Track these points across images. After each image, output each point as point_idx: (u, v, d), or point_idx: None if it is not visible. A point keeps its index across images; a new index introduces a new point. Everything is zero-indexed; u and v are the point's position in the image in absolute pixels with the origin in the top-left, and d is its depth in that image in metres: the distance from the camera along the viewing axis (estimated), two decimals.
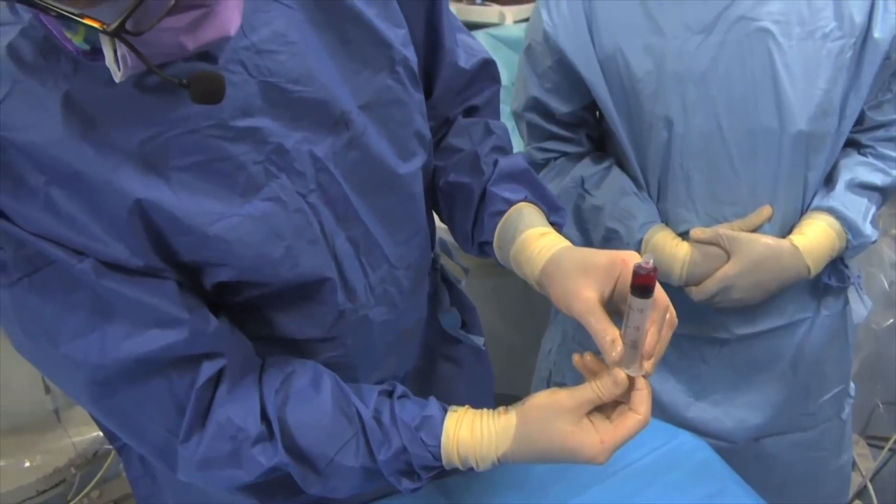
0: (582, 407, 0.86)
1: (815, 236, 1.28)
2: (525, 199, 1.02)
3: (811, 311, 1.39)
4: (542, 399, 0.88)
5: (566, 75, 1.33)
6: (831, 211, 1.29)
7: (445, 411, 0.91)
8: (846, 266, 1.37)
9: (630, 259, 0.85)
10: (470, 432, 0.89)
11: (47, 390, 2.26)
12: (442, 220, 1.16)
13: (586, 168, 1.38)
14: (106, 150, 0.77)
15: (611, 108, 1.30)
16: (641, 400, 0.87)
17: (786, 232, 1.31)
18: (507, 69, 2.02)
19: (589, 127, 1.43)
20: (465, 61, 1.09)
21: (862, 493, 2.25)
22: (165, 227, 0.81)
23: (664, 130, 1.27)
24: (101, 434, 2.22)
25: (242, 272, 0.87)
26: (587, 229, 1.37)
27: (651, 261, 0.80)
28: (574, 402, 0.86)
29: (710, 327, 1.39)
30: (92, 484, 2.33)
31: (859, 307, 1.45)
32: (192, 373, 0.85)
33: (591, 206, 1.35)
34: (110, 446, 2.34)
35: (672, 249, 1.29)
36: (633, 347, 0.84)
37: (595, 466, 0.90)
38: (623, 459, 1.22)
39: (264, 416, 0.88)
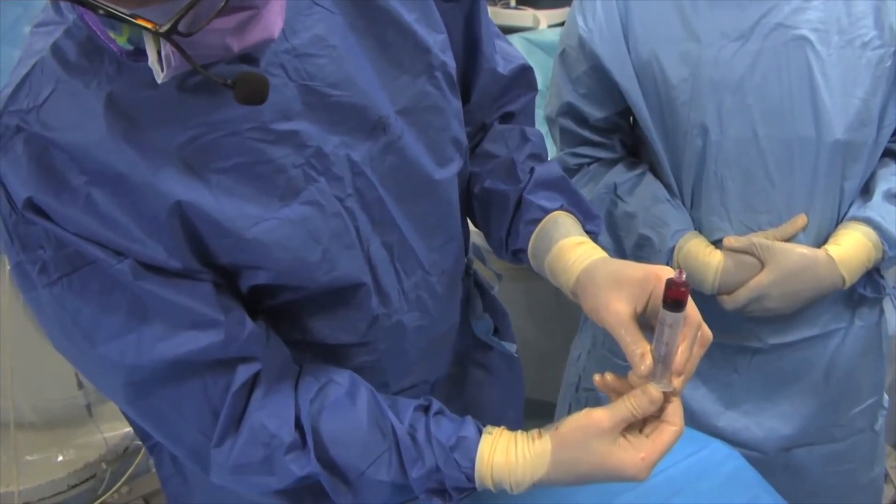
0: (618, 426, 0.85)
1: (851, 246, 1.27)
2: (561, 208, 1.02)
3: (845, 322, 1.38)
4: (578, 421, 0.86)
5: (601, 81, 1.33)
6: (868, 221, 1.28)
7: (481, 432, 0.90)
8: (882, 277, 1.36)
9: (664, 274, 0.84)
10: (505, 456, 0.87)
11: (80, 385, 2.29)
12: (476, 225, 1.16)
13: (619, 174, 1.37)
14: (147, 151, 0.78)
15: (645, 114, 1.29)
16: (675, 411, 0.87)
17: (821, 242, 1.30)
18: (541, 73, 2.01)
19: (623, 133, 1.43)
20: (503, 67, 1.09)
21: None
22: (204, 229, 0.82)
23: (699, 138, 1.26)
24: (132, 430, 2.24)
25: (279, 275, 0.87)
26: (619, 236, 1.37)
27: (684, 275, 0.80)
28: (610, 421, 0.84)
29: (742, 336, 1.38)
30: (123, 479, 2.35)
31: (895, 319, 1.43)
32: (228, 376, 0.85)
33: (624, 213, 1.35)
34: (141, 442, 2.36)
35: (705, 258, 1.28)
36: (663, 363, 0.84)
37: None
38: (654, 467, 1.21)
39: (298, 425, 0.87)
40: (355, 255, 0.92)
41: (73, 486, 2.37)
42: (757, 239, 1.26)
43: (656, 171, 1.37)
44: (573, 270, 0.94)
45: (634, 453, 0.84)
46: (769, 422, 1.42)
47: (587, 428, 0.85)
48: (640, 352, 0.84)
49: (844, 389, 1.41)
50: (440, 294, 1.05)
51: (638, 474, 0.85)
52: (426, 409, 0.92)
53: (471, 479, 0.88)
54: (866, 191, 1.33)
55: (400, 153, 0.93)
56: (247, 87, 0.75)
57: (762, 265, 1.26)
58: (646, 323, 0.88)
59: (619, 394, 0.87)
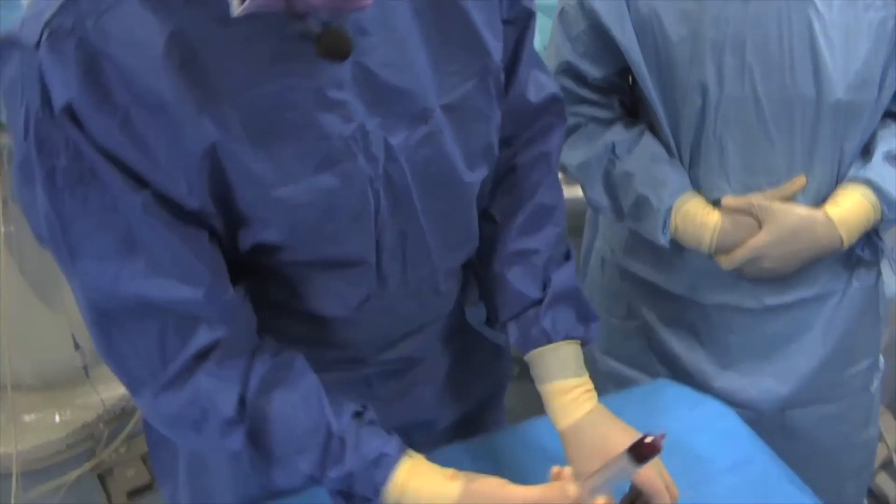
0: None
1: (850, 207, 1.27)
2: (564, 338, 1.05)
3: (842, 283, 1.38)
4: (491, 484, 0.90)
5: (599, 40, 1.32)
6: (867, 182, 1.28)
7: (403, 452, 0.93)
8: (880, 238, 1.35)
9: (643, 471, 0.92)
10: (416, 484, 0.90)
11: (76, 347, 2.29)
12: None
13: (618, 134, 1.36)
14: (199, 87, 0.78)
15: (644, 73, 1.28)
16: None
17: (820, 202, 1.29)
18: (540, 34, 2.00)
19: (621, 92, 1.42)
20: (533, 95, 1.07)
21: (887, 465, 2.25)
22: (233, 175, 0.82)
23: (698, 97, 1.25)
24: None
25: (288, 238, 0.88)
26: (617, 196, 1.36)
27: (663, 441, 0.87)
28: (517, 499, 0.89)
29: (739, 297, 1.37)
30: (120, 439, 2.36)
31: (892, 281, 1.43)
32: (189, 334, 0.86)
33: (622, 173, 1.34)
34: None
35: (703, 217, 1.28)
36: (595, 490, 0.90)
37: None
38: (648, 425, 1.21)
39: (242, 401, 0.88)
40: (367, 237, 0.93)
41: (71, 447, 2.38)
42: (755, 199, 1.26)
43: (655, 131, 1.36)
44: (560, 419, 1.03)
45: None
46: (765, 382, 1.42)
47: (495, 495, 0.89)
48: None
49: (841, 350, 1.41)
50: (442, 290, 1.06)
51: None
52: (361, 415, 0.94)
53: (378, 494, 0.90)
54: (866, 152, 1.32)
55: (436, 147, 0.93)
56: (333, 42, 0.76)
57: (760, 225, 1.26)
58: None
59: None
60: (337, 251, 0.92)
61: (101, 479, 2.41)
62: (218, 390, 0.87)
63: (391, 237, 0.95)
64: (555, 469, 0.92)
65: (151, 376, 0.87)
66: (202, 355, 0.87)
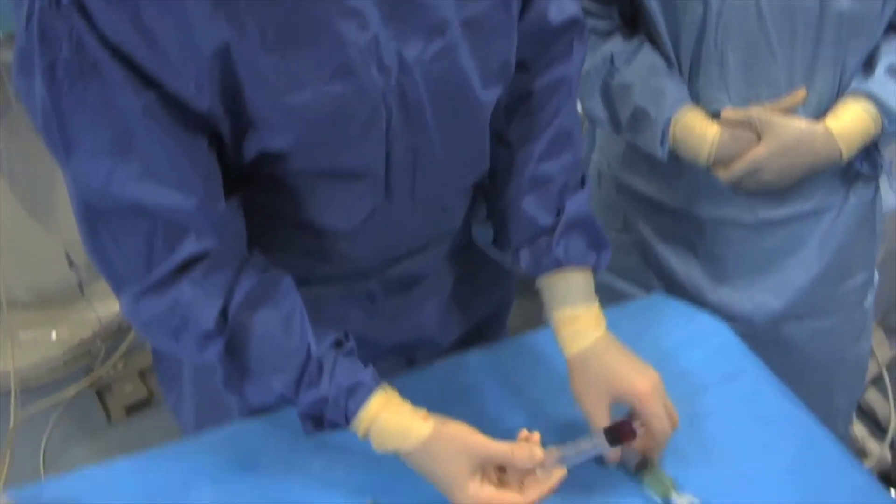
0: (489, 458, 0.91)
1: (850, 120, 1.25)
2: (576, 263, 1.05)
3: (840, 198, 1.37)
4: (462, 431, 0.92)
5: None
6: (868, 95, 1.26)
7: (378, 384, 0.93)
8: (879, 153, 1.34)
9: (643, 392, 0.97)
10: (386, 417, 0.92)
11: (70, 264, 2.29)
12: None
13: (616, 45, 1.34)
14: None
15: None
16: (536, 487, 0.91)
17: (820, 116, 1.27)
18: None
19: (620, 2, 1.38)
20: (554, 16, 1.04)
21: (877, 381, 2.28)
22: (245, 77, 0.80)
23: (699, 5, 1.22)
24: None
25: (296, 145, 0.86)
26: (615, 108, 1.34)
27: (639, 432, 0.96)
28: (484, 450, 0.90)
29: (736, 210, 1.37)
30: (117, 355, 2.38)
31: (889, 196, 1.42)
32: (177, 243, 0.86)
33: (620, 84, 1.32)
34: None
35: (702, 129, 1.26)
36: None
37: None
38: (642, 338, 1.22)
39: (224, 314, 0.88)
40: (377, 149, 0.91)
41: (68, 363, 2.41)
42: (755, 111, 1.24)
43: (654, 42, 1.33)
44: (567, 347, 1.04)
45: (473, 491, 0.89)
46: (760, 296, 1.43)
47: (463, 440, 0.91)
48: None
49: (836, 265, 1.41)
50: (449, 208, 1.06)
51: None
52: (340, 344, 0.94)
53: (349, 421, 0.91)
54: (868, 66, 1.30)
55: (451, 62, 0.90)
56: None
57: (759, 138, 1.24)
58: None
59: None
60: (345, 162, 0.91)
61: (100, 395, 2.44)
62: (200, 301, 0.87)
63: (401, 151, 0.93)
64: (523, 433, 0.94)
65: (134, 278, 0.87)
66: (188, 264, 0.87)
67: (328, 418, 0.92)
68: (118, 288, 0.89)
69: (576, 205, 1.07)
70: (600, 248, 1.07)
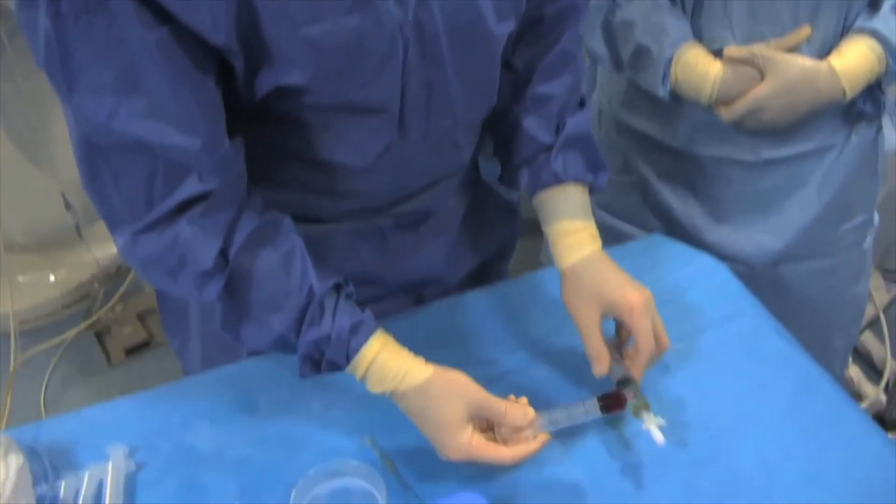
0: (485, 408, 0.92)
1: (854, 59, 1.23)
2: (574, 179, 1.06)
3: (842, 137, 1.36)
4: (459, 379, 0.93)
5: None
6: (873, 33, 1.24)
7: (378, 326, 0.94)
8: (882, 92, 1.32)
9: (634, 302, 0.99)
10: (387, 359, 0.92)
11: (67, 206, 2.28)
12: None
13: None
14: None
15: None
16: (522, 445, 0.93)
17: (824, 54, 1.26)
18: None
19: None
20: None
21: (874, 324, 2.28)
22: (263, 10, 0.78)
23: None
24: None
25: (312, 79, 0.85)
26: (616, 45, 1.32)
27: (629, 401, 0.97)
28: (480, 400, 0.92)
29: (737, 149, 1.36)
30: (115, 298, 2.39)
31: (892, 135, 1.41)
32: (178, 182, 0.84)
33: (622, 21, 1.30)
34: None
35: (704, 67, 1.25)
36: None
37: None
38: (640, 279, 1.22)
39: (224, 254, 0.88)
40: (393, 83, 0.91)
41: (67, 306, 2.41)
42: (758, 49, 1.22)
43: None
44: (561, 259, 1.05)
45: (465, 439, 0.91)
46: (759, 236, 1.42)
47: (463, 387, 0.92)
48: (596, 353, 1.01)
49: (836, 206, 1.41)
50: (460, 144, 1.06)
51: (449, 455, 0.92)
52: (340, 287, 0.94)
53: (349, 360, 0.91)
54: (874, 3, 1.27)
55: None
56: None
57: (762, 76, 1.23)
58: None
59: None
60: (361, 96, 0.90)
61: (99, 337, 2.45)
62: (199, 240, 0.86)
63: (417, 86, 0.93)
64: (511, 397, 0.95)
65: (133, 217, 0.86)
66: (188, 204, 0.86)
67: (328, 358, 0.91)
68: (115, 227, 0.88)
69: (575, 123, 1.08)
70: (598, 169, 1.08)
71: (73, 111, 0.80)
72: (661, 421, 0.97)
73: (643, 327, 0.99)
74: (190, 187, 0.85)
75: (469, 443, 0.91)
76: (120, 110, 0.78)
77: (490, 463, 0.92)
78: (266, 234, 0.91)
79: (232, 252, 0.88)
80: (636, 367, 1.02)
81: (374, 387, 0.93)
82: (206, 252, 0.87)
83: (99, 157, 0.83)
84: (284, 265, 0.90)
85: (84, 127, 0.81)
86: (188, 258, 0.87)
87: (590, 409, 0.98)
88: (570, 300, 1.04)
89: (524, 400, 0.96)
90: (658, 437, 0.95)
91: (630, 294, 1.00)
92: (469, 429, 0.92)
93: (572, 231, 1.05)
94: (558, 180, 1.06)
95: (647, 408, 0.98)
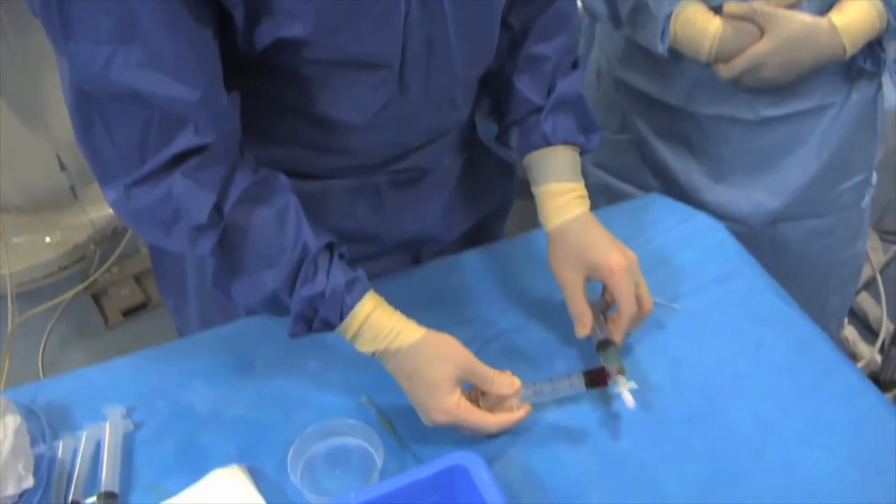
0: (471, 372, 0.93)
1: (855, 15, 1.22)
2: (563, 142, 1.06)
3: (841, 96, 1.35)
4: (451, 342, 0.94)
5: None
6: None
7: (370, 286, 0.94)
8: (883, 50, 1.31)
9: (616, 266, 1.00)
10: (380, 317, 0.92)
11: (62, 167, 2.27)
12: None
13: None
14: None
15: None
16: (506, 413, 0.95)
17: (825, 10, 1.24)
18: None
19: None
20: None
21: (870, 285, 2.29)
22: None
23: None
24: None
25: (313, 32, 0.84)
26: (614, 2, 1.30)
27: (611, 377, 0.98)
28: (470, 364, 0.93)
29: (736, 107, 1.34)
30: (112, 259, 2.38)
31: (892, 94, 1.39)
32: (174, 135, 0.83)
33: None
34: None
35: (703, 24, 1.23)
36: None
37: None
38: (638, 238, 1.22)
39: (219, 209, 0.87)
40: (394, 38, 0.90)
41: (64, 268, 2.40)
42: (758, 5, 1.20)
43: None
44: (548, 220, 1.06)
45: (453, 401, 0.92)
46: (757, 195, 1.42)
47: (455, 349, 0.94)
48: (578, 312, 1.03)
49: (835, 165, 1.40)
50: (458, 102, 1.06)
51: (434, 417, 0.92)
52: (334, 246, 0.94)
53: (343, 318, 0.91)
54: None
55: None
56: None
57: (762, 33, 1.21)
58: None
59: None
60: (361, 51, 0.89)
61: (96, 299, 2.45)
62: (193, 194, 0.86)
63: (418, 42, 0.92)
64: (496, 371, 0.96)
65: (125, 169, 0.85)
66: (182, 157, 0.85)
67: (321, 315, 0.91)
68: (106, 180, 0.87)
69: (567, 85, 1.08)
70: (589, 131, 1.09)
71: (69, 60, 0.79)
72: (632, 385, 0.98)
73: (624, 290, 1.00)
74: (185, 140, 0.84)
75: (457, 405, 0.92)
76: (116, 60, 0.77)
77: (473, 427, 0.93)
78: (260, 190, 0.90)
79: (226, 207, 0.87)
80: (617, 330, 1.03)
81: (365, 345, 0.93)
82: (200, 206, 0.86)
83: (93, 107, 0.82)
84: (279, 222, 0.90)
85: (79, 76, 0.80)
86: (182, 212, 0.86)
87: (575, 383, 0.99)
88: (554, 262, 1.06)
89: (508, 372, 0.96)
90: (629, 401, 0.97)
91: (612, 256, 1.00)
92: (457, 392, 0.92)
93: (560, 193, 1.05)
94: (548, 142, 1.06)
95: (623, 373, 0.99)
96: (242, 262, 0.90)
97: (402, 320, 0.94)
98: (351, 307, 0.91)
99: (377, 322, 0.92)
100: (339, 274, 0.91)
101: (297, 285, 0.90)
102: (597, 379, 0.98)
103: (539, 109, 1.07)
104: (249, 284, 0.90)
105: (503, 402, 0.96)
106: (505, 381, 0.94)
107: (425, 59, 0.95)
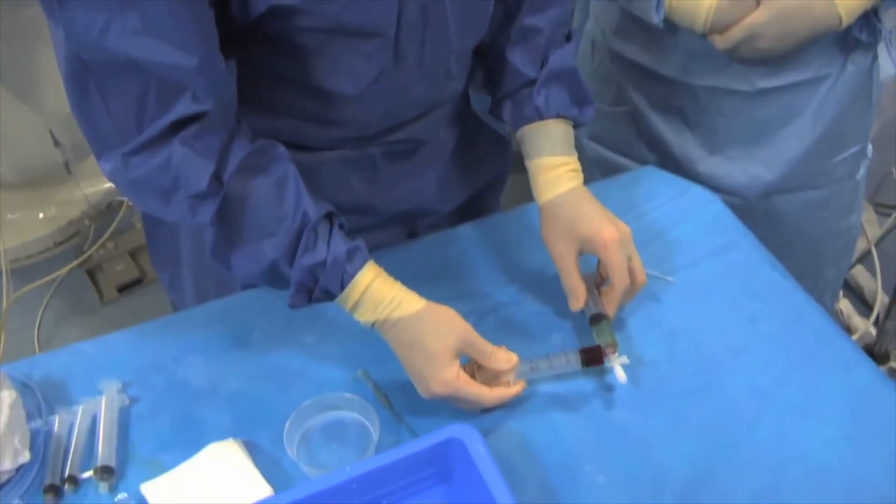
0: (471, 345, 0.93)
1: None
2: (556, 115, 1.06)
3: (837, 67, 1.34)
4: (451, 314, 0.94)
5: None
6: None
7: (370, 256, 0.94)
8: (879, 20, 1.30)
9: (608, 238, 0.99)
10: (380, 285, 0.92)
11: (56, 143, 2.26)
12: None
13: None
14: None
15: None
16: (503, 388, 0.95)
17: None
18: None
19: None
20: None
21: (865, 258, 2.29)
22: None
23: None
24: (112, 186, 2.23)
25: (306, 1, 0.84)
26: None
27: (606, 356, 0.98)
28: (469, 337, 0.93)
29: (731, 79, 1.34)
30: (106, 235, 2.38)
31: (887, 64, 1.38)
32: (171, 102, 0.82)
33: None
34: (122, 198, 2.37)
35: None
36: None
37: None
38: (634, 211, 1.22)
39: (218, 177, 0.87)
40: (389, 7, 0.90)
41: (59, 244, 2.39)
42: None
43: None
44: (540, 194, 1.06)
45: (452, 373, 0.91)
46: (752, 167, 1.41)
47: (456, 321, 0.93)
48: (571, 286, 1.03)
49: (830, 136, 1.39)
50: (453, 73, 1.05)
51: (432, 388, 0.92)
52: (333, 216, 0.93)
53: (343, 286, 0.91)
54: None
55: None
56: None
57: (757, 3, 1.20)
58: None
59: None
60: (356, 19, 0.89)
61: (91, 275, 2.45)
62: (193, 162, 0.85)
63: (413, 12, 0.92)
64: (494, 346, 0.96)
65: (122, 139, 0.84)
66: (181, 124, 0.84)
67: (322, 284, 0.91)
68: (102, 151, 0.86)
69: (559, 58, 1.07)
70: (583, 103, 1.08)
71: (64, 28, 0.78)
72: (624, 360, 0.98)
73: (616, 263, 1.00)
74: (183, 107, 0.83)
75: (456, 377, 0.92)
76: (112, 27, 0.76)
77: (470, 400, 0.93)
78: (258, 159, 0.89)
79: (226, 176, 0.87)
80: (610, 303, 1.03)
81: (366, 315, 0.93)
82: (199, 174, 0.85)
83: (89, 76, 0.80)
84: (278, 191, 0.89)
85: (74, 44, 0.78)
86: (181, 180, 0.85)
87: (571, 360, 0.99)
88: (547, 236, 1.06)
89: (504, 348, 0.96)
90: (620, 376, 0.97)
91: (604, 230, 1.00)
92: (457, 364, 0.92)
93: (552, 167, 1.05)
94: (540, 116, 1.06)
95: (615, 347, 1.00)
96: (242, 232, 0.89)
97: (402, 290, 0.94)
98: (352, 276, 0.91)
99: (378, 291, 0.92)
100: (339, 243, 0.91)
101: (297, 254, 0.89)
102: (593, 358, 0.99)
103: (532, 82, 1.07)
104: (249, 255, 0.90)
105: (500, 378, 0.96)
106: (503, 356, 0.95)
107: (420, 29, 0.94)
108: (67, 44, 0.79)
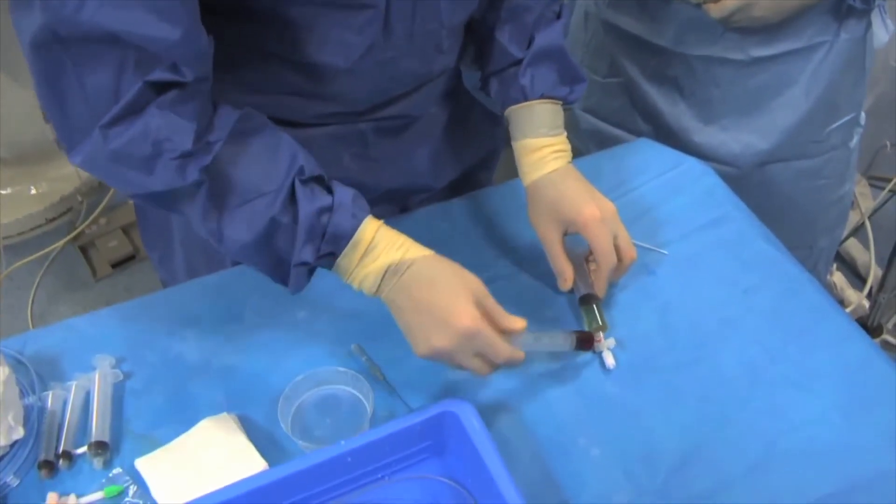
0: (485, 297, 0.88)
1: None
2: (542, 97, 1.05)
3: (831, 35, 1.33)
4: (456, 266, 0.90)
5: None
6: None
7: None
8: None
9: (590, 221, 0.99)
10: (389, 233, 0.89)
11: (46, 119, 2.24)
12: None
13: None
14: None
15: None
16: (510, 347, 0.89)
17: None
18: None
19: None
20: None
21: (859, 230, 2.29)
22: None
23: None
24: None
25: None
26: None
27: (596, 340, 1.00)
28: (484, 290, 0.88)
29: (725, 48, 1.33)
30: (98, 210, 2.37)
31: (881, 32, 1.38)
32: (149, 71, 0.78)
33: None
34: None
35: None
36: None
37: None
38: (628, 184, 1.22)
39: (201, 137, 0.82)
40: None
41: (51, 220, 2.38)
42: None
43: None
44: (525, 175, 1.06)
45: (477, 314, 0.86)
46: (746, 137, 1.41)
47: (459, 271, 0.89)
48: (559, 270, 1.04)
49: (824, 105, 1.39)
50: (444, 47, 1.04)
51: (461, 321, 0.85)
52: (324, 179, 0.89)
53: (355, 229, 0.86)
54: None
55: None
56: None
57: None
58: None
59: None
60: None
61: (84, 251, 2.44)
62: (174, 124, 0.80)
63: None
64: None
65: (96, 115, 0.79)
66: (159, 90, 0.80)
67: (331, 230, 0.86)
68: (74, 134, 0.82)
69: (546, 37, 1.06)
70: (574, 81, 1.07)
71: (38, 1, 0.74)
72: (611, 342, 0.99)
73: (601, 241, 1.00)
74: (162, 74, 0.79)
75: (481, 319, 0.86)
76: None
77: (486, 346, 0.87)
78: (250, 124, 0.86)
79: (212, 137, 0.83)
80: (599, 282, 1.03)
81: (384, 255, 0.88)
82: (182, 135, 0.81)
83: (63, 52, 0.77)
84: (271, 150, 0.86)
85: (50, 17, 0.75)
86: (164, 143, 0.80)
87: (567, 340, 0.99)
88: (533, 218, 1.06)
89: None
90: (609, 362, 0.98)
91: (586, 209, 1.00)
92: (475, 309, 0.87)
93: (535, 149, 1.04)
94: (525, 97, 1.05)
95: (605, 329, 1.01)
96: (234, 191, 0.85)
97: (410, 239, 0.90)
98: (363, 217, 0.88)
99: (388, 236, 0.89)
100: (342, 189, 0.88)
101: (298, 205, 0.85)
102: (584, 342, 0.99)
103: (518, 62, 1.06)
104: (242, 217, 0.85)
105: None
106: (511, 318, 0.90)
107: (410, 4, 0.93)
108: (42, 17, 0.75)
